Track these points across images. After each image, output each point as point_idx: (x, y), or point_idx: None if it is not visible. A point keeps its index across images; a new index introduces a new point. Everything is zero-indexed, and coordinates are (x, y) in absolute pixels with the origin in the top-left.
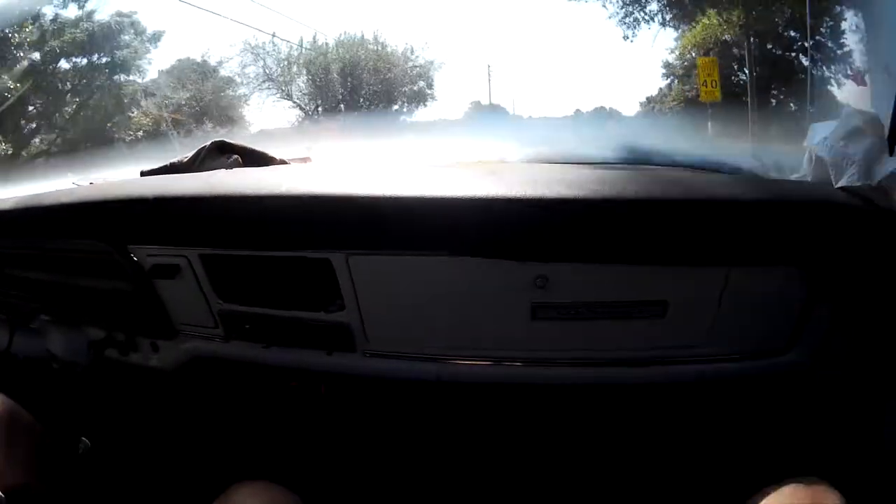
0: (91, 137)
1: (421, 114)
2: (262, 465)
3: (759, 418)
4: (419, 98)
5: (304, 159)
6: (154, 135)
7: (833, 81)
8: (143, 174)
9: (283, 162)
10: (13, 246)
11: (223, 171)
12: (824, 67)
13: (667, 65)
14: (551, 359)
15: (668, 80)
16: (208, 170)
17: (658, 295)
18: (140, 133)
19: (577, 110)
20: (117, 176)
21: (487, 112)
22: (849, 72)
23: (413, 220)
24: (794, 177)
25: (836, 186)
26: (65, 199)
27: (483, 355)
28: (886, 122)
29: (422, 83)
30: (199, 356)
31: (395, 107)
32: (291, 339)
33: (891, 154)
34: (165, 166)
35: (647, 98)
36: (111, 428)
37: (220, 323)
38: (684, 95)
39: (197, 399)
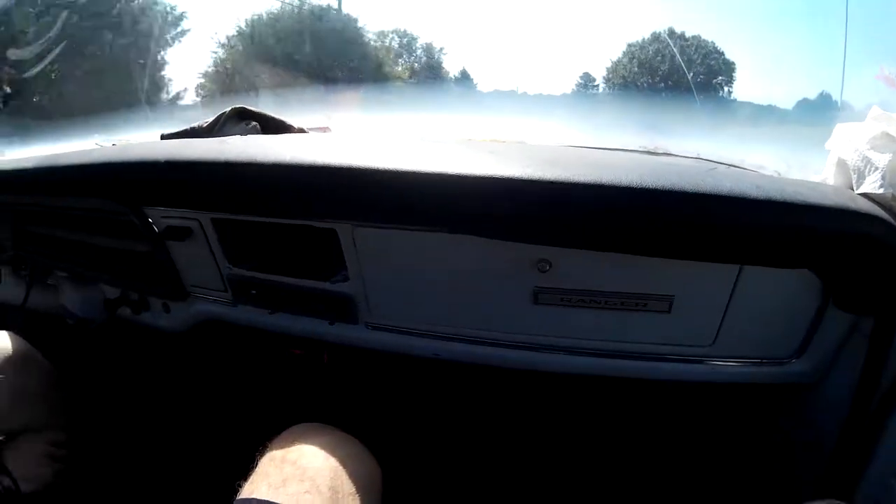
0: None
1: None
2: (264, 427)
3: (759, 424)
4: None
5: (324, 129)
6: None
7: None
8: (163, 137)
9: (301, 130)
10: (35, 204)
11: (238, 137)
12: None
13: None
14: (551, 345)
15: None
16: (227, 135)
17: (665, 289)
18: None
19: (587, 76)
20: (139, 138)
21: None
22: (880, 72)
23: (413, 195)
24: (814, 178)
25: (857, 192)
26: (85, 159)
27: (483, 336)
28: None
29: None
30: (208, 319)
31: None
32: (297, 306)
33: None
34: (185, 130)
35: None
36: (121, 383)
37: (229, 287)
38: None
39: (204, 360)
